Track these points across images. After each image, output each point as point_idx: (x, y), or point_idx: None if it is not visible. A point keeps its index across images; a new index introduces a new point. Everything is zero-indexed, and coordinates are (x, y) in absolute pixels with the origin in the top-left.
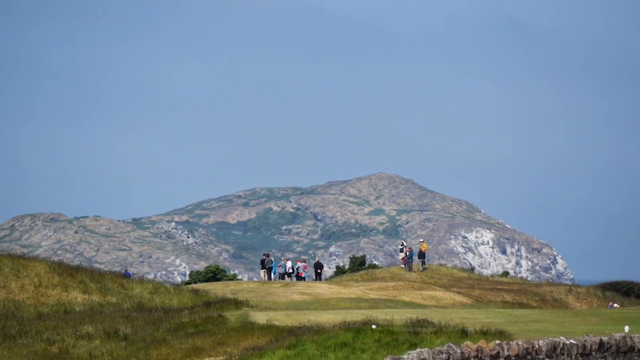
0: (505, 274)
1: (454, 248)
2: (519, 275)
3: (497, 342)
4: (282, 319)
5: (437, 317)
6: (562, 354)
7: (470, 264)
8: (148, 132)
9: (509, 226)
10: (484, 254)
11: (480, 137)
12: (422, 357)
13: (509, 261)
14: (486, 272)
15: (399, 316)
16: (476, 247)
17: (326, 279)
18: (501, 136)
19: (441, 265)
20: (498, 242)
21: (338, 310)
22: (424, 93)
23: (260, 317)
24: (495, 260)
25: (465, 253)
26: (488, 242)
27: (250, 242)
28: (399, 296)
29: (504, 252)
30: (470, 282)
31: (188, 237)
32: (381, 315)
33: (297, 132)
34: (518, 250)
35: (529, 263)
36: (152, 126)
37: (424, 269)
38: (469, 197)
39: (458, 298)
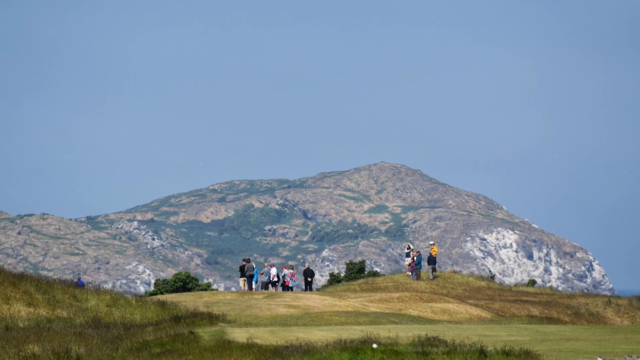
0: (532, 282)
1: (471, 252)
2: (548, 284)
3: None
4: (265, 336)
5: (450, 334)
6: None
7: (490, 271)
8: (104, 114)
9: (536, 226)
10: (506, 259)
11: (502, 120)
12: None
13: (536, 268)
14: (509, 280)
15: (405, 333)
16: (497, 251)
17: (318, 289)
18: (527, 119)
19: (455, 272)
20: (523, 245)
21: (332, 326)
22: (435, 68)
23: (239, 335)
24: (519, 266)
25: (483, 258)
26: (511, 245)
27: (227, 245)
28: (405, 309)
29: (530, 256)
30: (489, 293)
31: (153, 239)
32: (384, 332)
33: (283, 114)
34: (547, 254)
35: (560, 270)
36: (109, 106)
37: (435, 277)
38: (488, 191)
39: (475, 312)
